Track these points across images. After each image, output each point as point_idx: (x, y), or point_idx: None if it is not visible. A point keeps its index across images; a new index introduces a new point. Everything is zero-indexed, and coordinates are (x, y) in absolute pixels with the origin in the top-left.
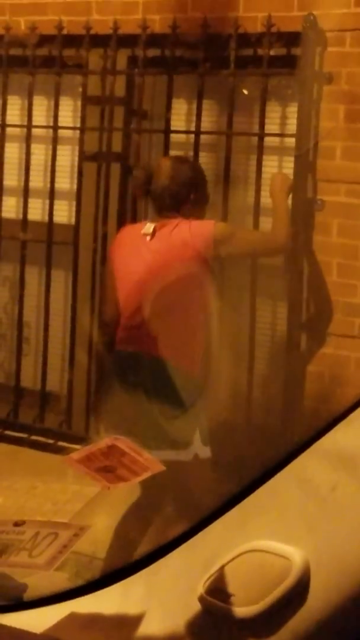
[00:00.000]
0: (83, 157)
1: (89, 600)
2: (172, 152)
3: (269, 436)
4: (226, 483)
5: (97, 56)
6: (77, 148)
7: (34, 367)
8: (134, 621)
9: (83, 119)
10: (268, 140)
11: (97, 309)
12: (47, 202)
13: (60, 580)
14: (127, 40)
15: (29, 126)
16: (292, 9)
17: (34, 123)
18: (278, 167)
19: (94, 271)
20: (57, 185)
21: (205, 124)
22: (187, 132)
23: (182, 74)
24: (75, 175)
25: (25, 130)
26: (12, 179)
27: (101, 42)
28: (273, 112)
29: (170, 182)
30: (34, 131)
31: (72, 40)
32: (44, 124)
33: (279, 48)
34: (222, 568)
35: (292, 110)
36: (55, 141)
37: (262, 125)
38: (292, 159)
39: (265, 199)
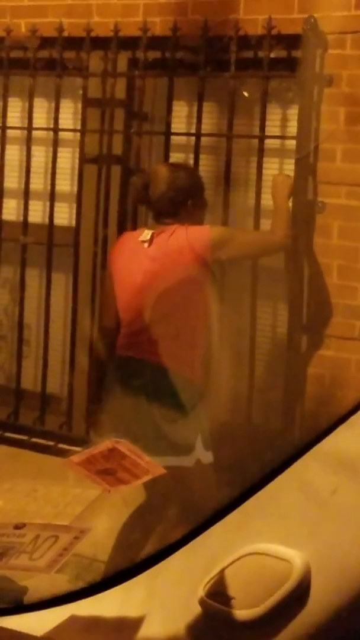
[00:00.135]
0: (83, 159)
1: (90, 603)
2: (173, 155)
3: (270, 439)
4: (227, 486)
5: (97, 58)
6: (77, 150)
7: (34, 369)
8: (134, 624)
9: (84, 122)
10: (269, 143)
11: (98, 312)
12: (48, 204)
13: (61, 583)
14: (128, 43)
15: (30, 128)
16: (293, 12)
17: (34, 125)
18: (279, 170)
19: (95, 274)
20: (57, 188)
21: (206, 127)
22: (187, 134)
23: (182, 77)
24: (76, 177)
25: (25, 132)
26: (12, 181)
27: (102, 45)
28: (273, 114)
29: (168, 188)
30: (35, 133)
31: (72, 43)
32: (45, 126)
33: (279, 50)
34: (222, 571)
35: (293, 112)
36: (55, 143)
37: (262, 127)
38: (292, 161)
39: (266, 201)
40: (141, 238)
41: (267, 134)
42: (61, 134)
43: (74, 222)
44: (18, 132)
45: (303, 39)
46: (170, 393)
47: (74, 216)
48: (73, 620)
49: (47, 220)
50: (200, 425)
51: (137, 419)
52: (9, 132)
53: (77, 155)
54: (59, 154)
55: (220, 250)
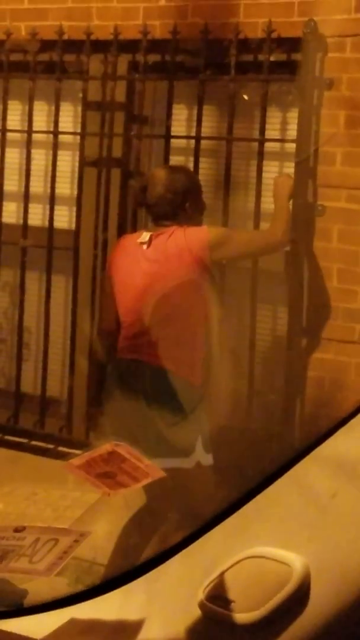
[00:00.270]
0: (83, 162)
1: (89, 606)
2: (173, 158)
3: (269, 442)
4: (226, 489)
5: (97, 62)
6: (77, 153)
7: (34, 372)
8: (134, 627)
9: (83, 125)
10: (268, 146)
11: (97, 315)
12: (48, 207)
13: (61, 586)
14: (128, 46)
15: (30, 131)
16: (293, 15)
17: (34, 128)
18: (278, 173)
19: (95, 276)
20: (57, 191)
21: (206, 130)
22: (187, 137)
23: (182, 80)
24: (76, 180)
25: (25, 135)
26: (12, 184)
27: (102, 48)
28: (273, 117)
29: (166, 190)
30: (35, 136)
31: (72, 46)
32: (45, 129)
33: (279, 54)
34: (222, 574)
35: (293, 115)
36: (55, 146)
37: (262, 130)
38: (292, 164)
39: (266, 205)
40: (140, 240)
41: (267, 137)
42: (61, 137)
43: (73, 225)
44: (18, 135)
45: (303, 42)
46: (170, 395)
47: (74, 219)
48: (73, 623)
49: (47, 223)
50: (201, 428)
51: (137, 421)
52: (9, 135)
53: (77, 158)
54: (58, 157)
55: (219, 250)
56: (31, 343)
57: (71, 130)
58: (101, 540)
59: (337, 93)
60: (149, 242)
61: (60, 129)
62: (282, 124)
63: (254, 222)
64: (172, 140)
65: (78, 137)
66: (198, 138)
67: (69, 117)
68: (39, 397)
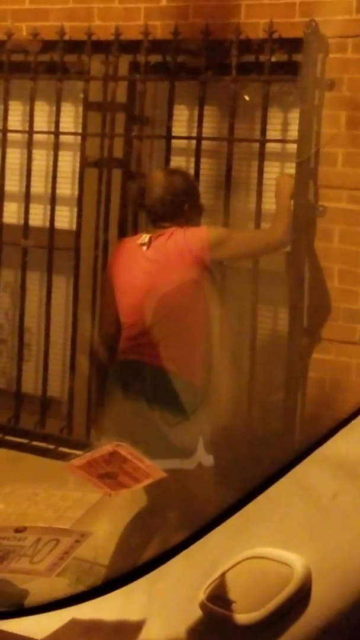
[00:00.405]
0: (84, 163)
1: (90, 607)
2: (174, 159)
3: (270, 443)
4: (227, 490)
5: (98, 62)
6: (78, 154)
7: (35, 372)
8: (134, 628)
9: (84, 125)
10: (269, 147)
11: (98, 315)
12: (49, 207)
13: (61, 586)
14: (129, 47)
15: (31, 132)
16: (294, 15)
17: (35, 129)
18: (279, 173)
19: (95, 277)
20: (58, 191)
21: (207, 130)
22: (188, 138)
23: (183, 80)
24: (77, 181)
25: (26, 136)
26: (13, 185)
27: (103, 48)
28: (274, 118)
29: (164, 192)
30: (36, 137)
31: (73, 46)
32: (46, 129)
33: (280, 54)
34: (223, 575)
35: (294, 116)
36: (56, 147)
37: (263, 131)
38: (293, 165)
39: (267, 205)
40: (139, 241)
41: (268, 137)
42: (62, 138)
43: (74, 226)
44: (19, 135)
45: (304, 43)
46: (171, 396)
47: (75, 220)
48: (73, 623)
49: (48, 224)
50: (202, 428)
51: (138, 422)
52: (10, 136)
53: (78, 158)
54: (59, 158)
55: (218, 250)
56: (32, 343)
57: (72, 130)
58: (102, 540)
59: (338, 94)
60: (149, 243)
61: (61, 130)
62: (283, 125)
63: (254, 223)
64: (173, 141)
65: (79, 138)
66: (199, 139)
67: (70, 118)
68: (40, 397)
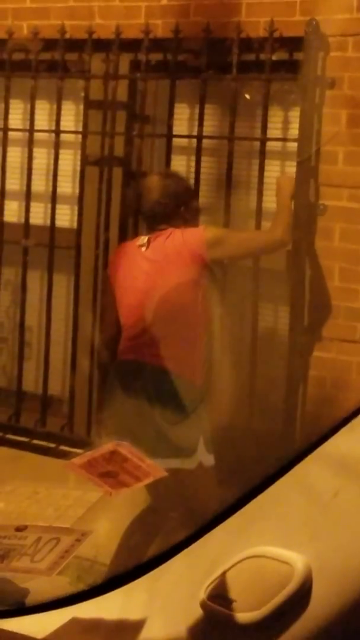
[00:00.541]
0: (85, 161)
1: (91, 606)
2: (175, 157)
3: (271, 442)
4: (228, 489)
5: (99, 61)
6: (79, 152)
7: (35, 371)
8: (135, 627)
9: (85, 124)
10: (270, 145)
11: (99, 314)
12: (49, 206)
13: (62, 585)
14: (130, 45)
15: (31, 130)
16: (295, 14)
17: (36, 127)
18: (280, 172)
19: (96, 275)
20: (59, 190)
21: (208, 129)
22: (189, 136)
23: (184, 79)
24: (77, 179)
25: (27, 134)
26: (14, 183)
27: (103, 47)
28: (275, 116)
29: (159, 196)
30: (36, 135)
31: (74, 45)
32: (47, 128)
33: (281, 53)
34: (224, 574)
35: (295, 115)
36: (57, 145)
37: (264, 130)
38: (294, 163)
39: (267, 204)
40: (138, 242)
41: (268, 136)
42: (63, 136)
43: (75, 224)
44: (20, 134)
45: (305, 42)
46: (171, 395)
47: (76, 218)
48: (74, 622)
49: (48, 222)
50: (202, 428)
51: (138, 422)
52: (11, 134)
53: (78, 157)
54: (60, 156)
55: (216, 249)
56: (33, 342)
57: (73, 129)
58: (103, 539)
59: (339, 92)
60: (147, 244)
61: (62, 128)
62: (284, 123)
63: (255, 221)
64: (174, 140)
65: (80, 136)
66: (200, 137)
67: (70, 116)
68: (41, 395)
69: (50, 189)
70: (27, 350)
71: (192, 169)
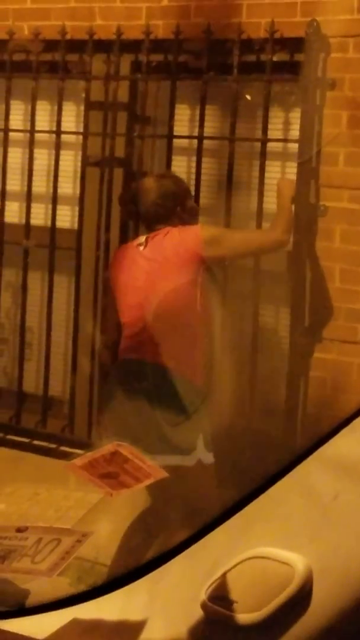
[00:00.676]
0: (86, 162)
1: (91, 607)
2: (175, 158)
3: (272, 443)
4: (229, 490)
5: (100, 61)
6: (80, 153)
7: (36, 372)
8: (136, 628)
9: (86, 125)
10: (271, 146)
11: (100, 315)
12: (50, 207)
13: (62, 586)
14: (131, 46)
15: (32, 131)
16: (295, 15)
17: (37, 128)
18: (281, 173)
19: (97, 276)
20: (60, 191)
21: (209, 130)
22: (190, 137)
23: (185, 80)
24: (78, 180)
25: (28, 135)
26: (15, 184)
27: (104, 48)
28: (276, 117)
29: (156, 197)
30: (37, 136)
31: (75, 46)
32: (47, 129)
33: (282, 54)
34: (224, 575)
35: (295, 116)
36: (58, 146)
37: (265, 130)
38: (295, 164)
39: (268, 205)
40: (137, 242)
41: (269, 137)
42: (63, 137)
43: (76, 225)
44: (20, 134)
45: (306, 43)
46: (170, 393)
47: (77, 219)
48: (75, 623)
49: (49, 223)
50: (202, 426)
51: (138, 419)
52: (12, 135)
53: (79, 158)
54: (61, 157)
55: (213, 248)
56: (33, 343)
57: (74, 130)
58: (103, 540)
59: (340, 93)
60: (146, 243)
61: (62, 129)
62: (284, 124)
63: (256, 222)
64: (175, 141)
65: (80, 137)
66: (201, 138)
67: (71, 117)
68: (41, 396)
69: (51, 189)
70: (27, 351)
71: (193, 170)
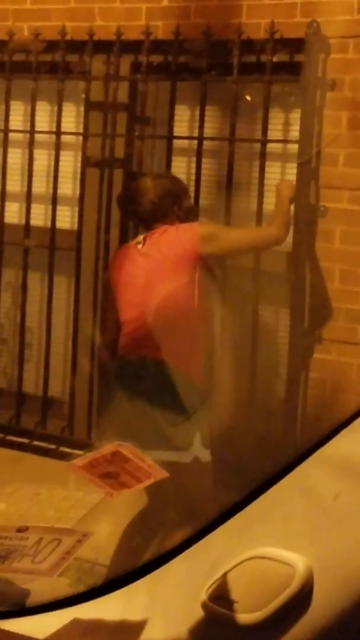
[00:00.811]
0: (86, 163)
1: (92, 607)
2: (175, 159)
3: (272, 443)
4: (229, 490)
5: (100, 62)
6: (80, 154)
7: (36, 372)
8: (136, 628)
9: (86, 125)
10: (271, 147)
11: (99, 316)
12: (50, 207)
13: (62, 586)
14: (130, 47)
15: (32, 132)
16: (295, 16)
17: (37, 129)
18: (281, 174)
19: (97, 277)
20: (59, 191)
21: (208, 130)
22: (190, 138)
23: (185, 80)
24: (78, 181)
25: (28, 135)
26: (15, 185)
27: (104, 48)
28: (276, 118)
29: (153, 196)
30: (37, 137)
31: (75, 46)
32: (47, 129)
33: (282, 55)
34: (225, 575)
35: (295, 116)
36: (58, 147)
37: (265, 131)
38: (295, 165)
39: (268, 205)
40: (135, 241)
41: (269, 138)
42: (63, 138)
43: (76, 226)
44: (20, 135)
45: (306, 43)
46: (168, 389)
47: (76, 220)
48: (75, 623)
49: (49, 224)
50: (199, 423)
51: (135, 414)
52: (12, 136)
53: (79, 158)
54: (61, 158)
55: (210, 244)
56: (33, 343)
57: (73, 130)
58: (103, 540)
59: (340, 94)
60: (144, 241)
61: (62, 130)
62: (284, 125)
63: (256, 223)
64: (175, 141)
65: (80, 138)
66: (200, 139)
67: (71, 118)
68: (41, 397)
69: (51, 190)
70: (27, 352)
71: (193, 171)
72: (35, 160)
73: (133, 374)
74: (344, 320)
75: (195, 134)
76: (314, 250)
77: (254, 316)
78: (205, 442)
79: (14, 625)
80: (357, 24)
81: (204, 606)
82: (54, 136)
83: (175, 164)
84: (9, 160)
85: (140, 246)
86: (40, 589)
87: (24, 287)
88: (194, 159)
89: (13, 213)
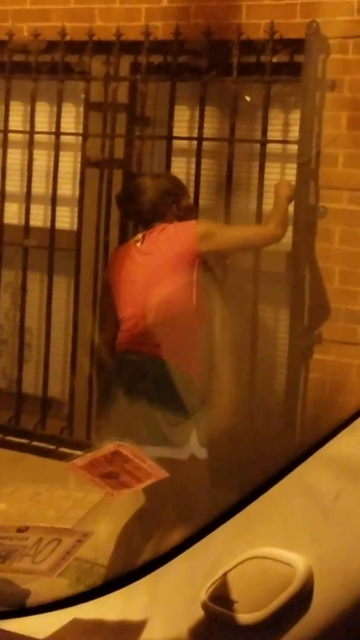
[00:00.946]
0: (85, 163)
1: (92, 607)
2: (175, 159)
3: (272, 444)
4: (229, 490)
5: (99, 63)
6: (79, 154)
7: (35, 373)
8: (136, 628)
9: (86, 126)
10: (270, 147)
11: (98, 317)
12: (50, 208)
13: (61, 587)
14: (130, 47)
15: (32, 132)
16: (295, 16)
17: (36, 129)
18: (280, 174)
19: (96, 277)
20: (59, 192)
21: (208, 131)
22: (189, 138)
23: (184, 81)
24: (78, 181)
25: (27, 136)
26: (14, 185)
27: (104, 49)
28: (276, 119)
29: (151, 195)
30: (37, 137)
31: (75, 47)
32: (47, 130)
33: (281, 55)
34: (225, 575)
35: (295, 117)
36: (57, 147)
37: (264, 132)
38: (294, 165)
39: (268, 206)
40: (134, 239)
41: (269, 138)
42: (63, 138)
43: (75, 226)
44: (20, 135)
45: (305, 44)
46: (166, 385)
47: (76, 220)
48: (75, 623)
49: (48, 224)
50: (196, 420)
51: (133, 411)
52: (11, 136)
53: (79, 159)
54: (60, 158)
55: (208, 242)
56: (33, 344)
57: (73, 131)
58: (103, 540)
59: (340, 94)
60: (142, 239)
61: (62, 130)
62: (284, 125)
63: (255, 223)
64: (174, 142)
65: (80, 138)
66: (200, 139)
67: (71, 118)
68: (41, 398)
69: (51, 190)
70: (27, 352)
71: (193, 171)
72: (35, 160)
73: (131, 370)
74: (344, 321)
75: (195, 135)
76: (314, 250)
77: (253, 316)
78: (202, 440)
79: (14, 625)
80: (356, 24)
81: (204, 606)
82: (53, 136)
83: (175, 165)
84: (9, 160)
85: (139, 244)
86: (40, 589)
87: (24, 288)
88: (193, 159)
89: (13, 213)
